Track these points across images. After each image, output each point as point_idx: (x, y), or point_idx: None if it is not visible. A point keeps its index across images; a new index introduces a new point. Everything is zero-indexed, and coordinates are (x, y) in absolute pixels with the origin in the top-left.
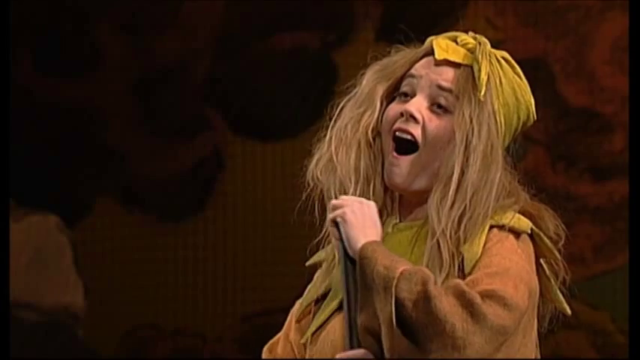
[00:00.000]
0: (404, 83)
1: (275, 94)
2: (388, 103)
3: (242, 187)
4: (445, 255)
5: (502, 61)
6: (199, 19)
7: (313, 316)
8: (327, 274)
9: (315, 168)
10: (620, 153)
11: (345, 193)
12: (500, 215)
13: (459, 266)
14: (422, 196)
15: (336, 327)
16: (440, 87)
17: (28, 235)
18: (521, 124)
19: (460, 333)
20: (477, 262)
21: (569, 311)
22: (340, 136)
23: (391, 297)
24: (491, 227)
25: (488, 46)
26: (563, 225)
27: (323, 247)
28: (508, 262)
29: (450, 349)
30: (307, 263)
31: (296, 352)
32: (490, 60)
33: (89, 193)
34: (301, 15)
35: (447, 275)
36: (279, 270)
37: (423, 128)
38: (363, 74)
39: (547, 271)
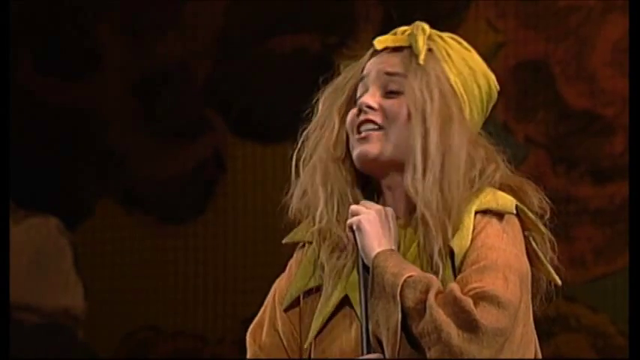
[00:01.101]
0: (358, 89)
1: (275, 96)
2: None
3: (243, 189)
4: (433, 229)
5: (446, 38)
6: (200, 21)
7: (311, 313)
8: (313, 262)
9: (293, 203)
10: (620, 155)
11: (329, 218)
12: (484, 197)
13: (451, 261)
14: (400, 190)
15: (343, 336)
16: (388, 73)
17: (28, 237)
18: (484, 94)
19: (456, 341)
20: (464, 256)
21: (559, 281)
22: (308, 165)
23: (397, 304)
24: (476, 213)
25: (427, 26)
26: (547, 198)
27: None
28: (495, 253)
29: (448, 356)
30: (284, 241)
31: (285, 346)
32: (431, 37)
33: (90, 194)
34: (302, 17)
35: (440, 252)
36: (279, 272)
37: (382, 112)
38: (317, 100)
39: (534, 245)
